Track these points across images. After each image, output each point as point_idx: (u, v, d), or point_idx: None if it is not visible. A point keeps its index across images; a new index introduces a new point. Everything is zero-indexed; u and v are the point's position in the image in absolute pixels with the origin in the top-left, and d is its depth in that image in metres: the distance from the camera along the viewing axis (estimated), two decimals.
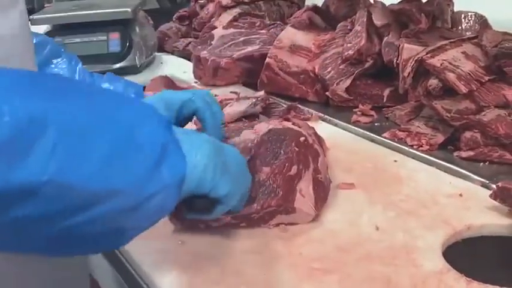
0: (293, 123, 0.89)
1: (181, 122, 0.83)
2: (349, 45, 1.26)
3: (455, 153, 1.01)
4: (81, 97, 0.51)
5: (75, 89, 0.52)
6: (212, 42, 1.45)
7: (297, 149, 0.81)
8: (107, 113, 0.51)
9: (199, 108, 0.81)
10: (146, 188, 0.52)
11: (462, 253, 0.78)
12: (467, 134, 1.01)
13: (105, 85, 1.02)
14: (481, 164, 0.98)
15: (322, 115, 1.21)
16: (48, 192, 0.45)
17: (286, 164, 0.80)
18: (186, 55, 1.67)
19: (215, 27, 1.54)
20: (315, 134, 0.93)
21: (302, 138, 0.84)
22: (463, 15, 1.51)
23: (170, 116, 0.80)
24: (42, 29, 1.56)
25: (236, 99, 1.23)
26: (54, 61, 1.02)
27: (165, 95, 0.82)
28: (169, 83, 1.36)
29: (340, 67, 1.26)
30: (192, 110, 0.81)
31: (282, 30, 1.38)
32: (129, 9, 1.52)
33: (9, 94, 0.44)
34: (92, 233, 0.51)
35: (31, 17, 1.46)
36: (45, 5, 2.03)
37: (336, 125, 1.18)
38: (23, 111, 0.44)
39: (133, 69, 1.57)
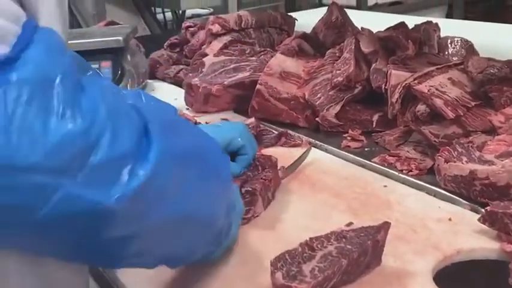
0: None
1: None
2: (338, 71, 1.28)
3: None
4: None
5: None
6: (203, 70, 1.47)
7: None
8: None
9: (244, 147, 0.96)
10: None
11: (452, 277, 0.79)
12: None
13: None
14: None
15: (313, 141, 1.22)
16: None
17: None
18: (177, 82, 1.68)
19: (206, 55, 1.55)
20: None
21: None
22: (449, 41, 1.54)
23: None
24: None
25: None
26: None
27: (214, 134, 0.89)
28: None
29: (330, 93, 1.27)
30: (237, 147, 0.95)
31: (272, 57, 1.39)
32: (120, 38, 1.54)
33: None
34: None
35: None
36: None
37: (326, 150, 1.19)
38: None
39: None
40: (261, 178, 0.94)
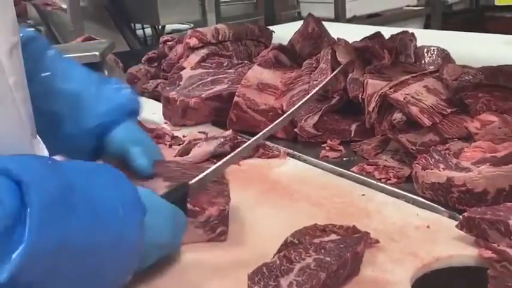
0: None
1: None
2: (315, 82, 1.28)
3: None
4: None
5: None
6: (181, 83, 1.46)
7: None
8: None
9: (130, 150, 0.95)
10: None
11: (431, 285, 0.78)
12: None
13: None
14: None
15: (291, 151, 1.22)
16: None
17: None
18: (155, 96, 1.66)
19: (183, 68, 1.55)
20: None
21: None
22: (425, 50, 1.55)
23: None
24: None
25: (204, 139, 1.24)
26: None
27: None
28: (139, 124, 1.36)
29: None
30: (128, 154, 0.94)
31: (250, 69, 1.39)
32: (97, 53, 1.53)
33: None
34: None
35: None
36: None
37: (304, 161, 1.18)
38: None
39: None
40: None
